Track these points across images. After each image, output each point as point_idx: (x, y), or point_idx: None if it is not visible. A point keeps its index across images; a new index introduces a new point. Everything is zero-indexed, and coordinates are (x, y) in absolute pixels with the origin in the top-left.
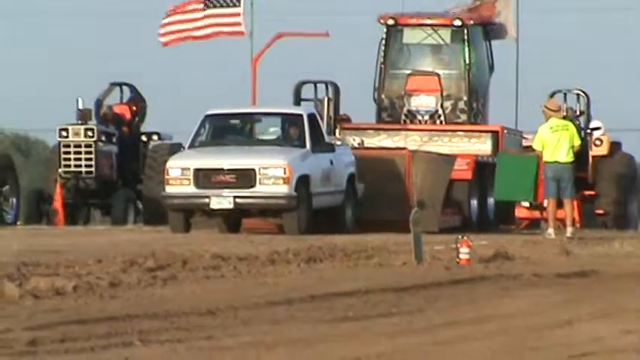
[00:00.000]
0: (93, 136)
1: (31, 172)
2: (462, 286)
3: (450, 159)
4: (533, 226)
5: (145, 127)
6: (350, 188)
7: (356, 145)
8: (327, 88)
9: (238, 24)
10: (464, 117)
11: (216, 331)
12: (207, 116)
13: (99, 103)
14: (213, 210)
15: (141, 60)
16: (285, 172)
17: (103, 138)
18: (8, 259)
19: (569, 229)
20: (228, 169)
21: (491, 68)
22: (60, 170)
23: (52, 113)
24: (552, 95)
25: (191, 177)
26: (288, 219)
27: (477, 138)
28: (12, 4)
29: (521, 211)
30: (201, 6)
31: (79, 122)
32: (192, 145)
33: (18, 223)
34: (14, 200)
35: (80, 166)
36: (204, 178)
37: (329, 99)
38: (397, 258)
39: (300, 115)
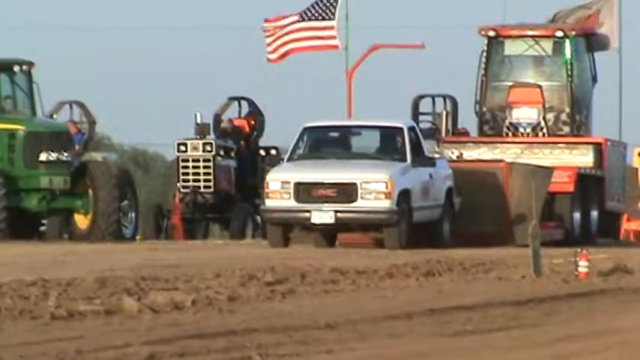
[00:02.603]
0: (211, 151)
1: (150, 186)
2: (581, 299)
3: (547, 171)
4: None
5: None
6: (448, 202)
7: (455, 157)
8: (445, 101)
9: (333, 37)
10: (566, 129)
11: (335, 345)
12: (305, 129)
13: (217, 118)
14: (314, 224)
15: (240, 75)
16: (387, 187)
17: (222, 152)
18: (127, 273)
19: None
20: (329, 183)
21: (594, 79)
22: (178, 185)
23: (171, 128)
24: None
25: (291, 191)
26: (389, 234)
27: (578, 150)
28: (133, 20)
29: None
30: (297, 17)
31: (198, 137)
32: (291, 158)
33: (137, 237)
34: (133, 215)
35: (199, 180)
36: (305, 192)
37: (447, 112)
38: (516, 271)
39: (401, 129)
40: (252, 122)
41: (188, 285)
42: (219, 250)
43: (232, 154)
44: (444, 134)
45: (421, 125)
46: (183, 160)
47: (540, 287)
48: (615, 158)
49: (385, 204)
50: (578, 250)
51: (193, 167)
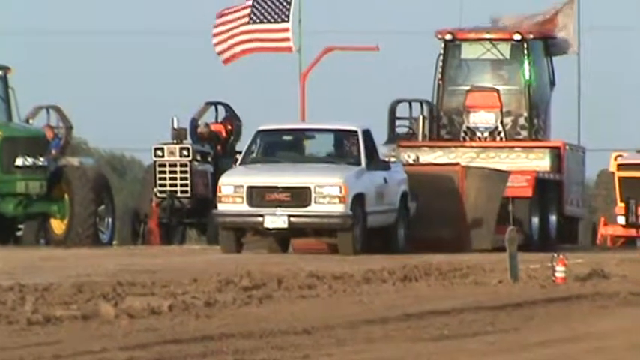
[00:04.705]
0: (188, 156)
1: (127, 191)
2: (558, 304)
3: (503, 175)
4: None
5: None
6: (403, 206)
7: (411, 161)
8: (422, 106)
9: (287, 39)
10: (524, 133)
11: (312, 350)
12: (259, 132)
13: (194, 123)
14: (267, 229)
15: (194, 77)
16: (341, 191)
17: (199, 157)
18: (104, 278)
19: None
20: (283, 187)
21: (553, 83)
22: (155, 190)
23: (148, 133)
24: None
25: (244, 195)
26: (343, 239)
27: (534, 154)
28: (105, 24)
29: (617, 230)
30: (247, 19)
31: (175, 142)
32: (243, 162)
33: (114, 242)
34: (110, 220)
35: (175, 185)
36: (258, 196)
37: (424, 117)
38: (493, 276)
39: (355, 132)
40: (229, 127)
41: (165, 290)
42: (196, 255)
43: (209, 158)
44: (420, 139)
45: (398, 130)
46: (160, 165)
47: (517, 292)
48: (574, 163)
49: (339, 208)
50: (555, 254)
51: (170, 172)
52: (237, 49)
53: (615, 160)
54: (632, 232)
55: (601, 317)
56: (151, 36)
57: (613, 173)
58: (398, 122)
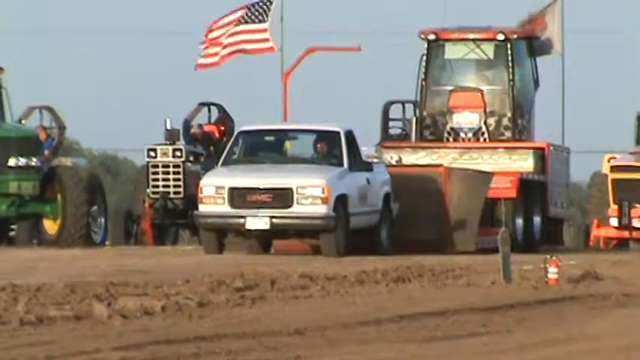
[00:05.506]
0: (181, 157)
1: (120, 192)
2: (551, 306)
3: (486, 176)
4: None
5: None
6: (385, 208)
7: (393, 162)
8: (414, 107)
9: (266, 40)
10: (508, 134)
11: (305, 351)
12: (240, 132)
13: (187, 124)
14: (248, 230)
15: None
16: (323, 192)
17: (191, 158)
18: (97, 279)
19: None
20: (265, 189)
21: (537, 83)
22: (148, 190)
23: (141, 133)
24: None
25: (225, 196)
26: (326, 240)
27: (518, 155)
28: (97, 23)
29: (610, 231)
30: (236, 22)
31: (167, 142)
32: (225, 163)
33: (106, 243)
34: (102, 220)
35: (168, 186)
36: (239, 197)
37: (417, 118)
38: (485, 278)
39: (337, 133)
40: (222, 128)
41: (158, 291)
42: (189, 256)
43: (202, 159)
44: (414, 140)
45: (391, 131)
46: (152, 166)
47: (510, 293)
48: (559, 163)
49: (322, 209)
50: (548, 256)
51: (163, 173)
52: (224, 51)
53: (608, 161)
54: (625, 234)
55: (594, 319)
56: (144, 36)
57: (606, 175)
58: (391, 123)
